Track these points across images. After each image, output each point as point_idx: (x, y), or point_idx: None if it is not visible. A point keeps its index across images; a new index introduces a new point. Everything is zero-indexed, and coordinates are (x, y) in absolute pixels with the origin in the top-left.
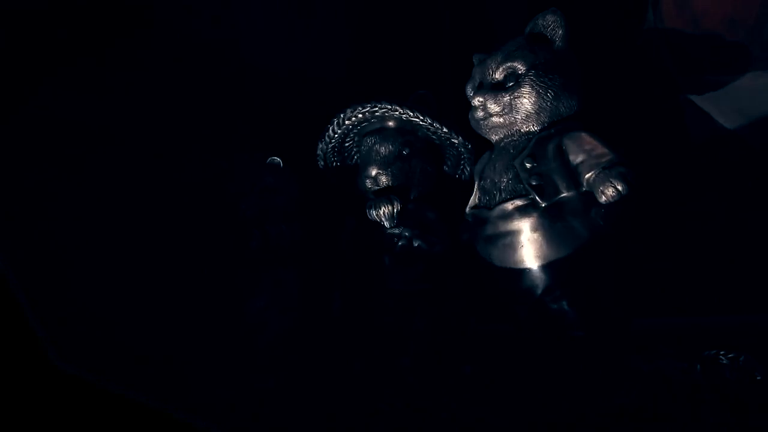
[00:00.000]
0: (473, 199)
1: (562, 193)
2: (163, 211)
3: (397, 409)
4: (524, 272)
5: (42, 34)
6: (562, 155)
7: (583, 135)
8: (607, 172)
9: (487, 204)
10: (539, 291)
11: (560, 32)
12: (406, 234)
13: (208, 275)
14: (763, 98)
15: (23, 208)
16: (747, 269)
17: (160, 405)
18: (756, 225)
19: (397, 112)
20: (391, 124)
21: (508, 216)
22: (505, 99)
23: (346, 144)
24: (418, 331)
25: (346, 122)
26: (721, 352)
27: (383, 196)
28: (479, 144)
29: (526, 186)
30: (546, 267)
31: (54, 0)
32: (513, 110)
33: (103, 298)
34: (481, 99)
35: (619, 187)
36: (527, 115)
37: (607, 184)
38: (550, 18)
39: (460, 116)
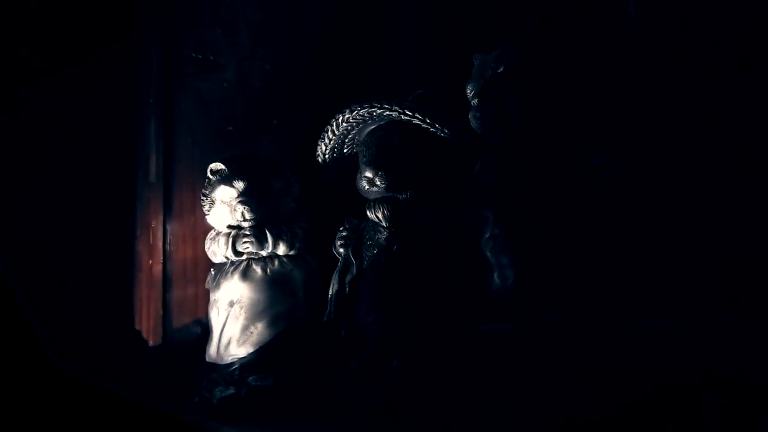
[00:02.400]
0: (473, 199)
1: (560, 192)
2: (159, 212)
3: (392, 409)
4: (522, 271)
5: (34, 36)
6: (560, 154)
7: (580, 135)
8: (603, 171)
9: (487, 204)
10: (537, 290)
11: (557, 32)
12: (406, 234)
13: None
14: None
15: (23, 208)
16: (747, 269)
17: (160, 405)
18: (755, 224)
19: (395, 112)
20: (390, 124)
21: (507, 215)
22: (502, 99)
23: (346, 144)
24: (411, 331)
25: (344, 123)
26: (721, 352)
27: (382, 196)
28: (480, 144)
29: (525, 185)
30: (544, 266)
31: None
32: (510, 110)
33: (103, 298)
34: (479, 100)
35: (613, 186)
36: (524, 115)
37: (602, 183)
38: (546, 18)
39: (461, 116)
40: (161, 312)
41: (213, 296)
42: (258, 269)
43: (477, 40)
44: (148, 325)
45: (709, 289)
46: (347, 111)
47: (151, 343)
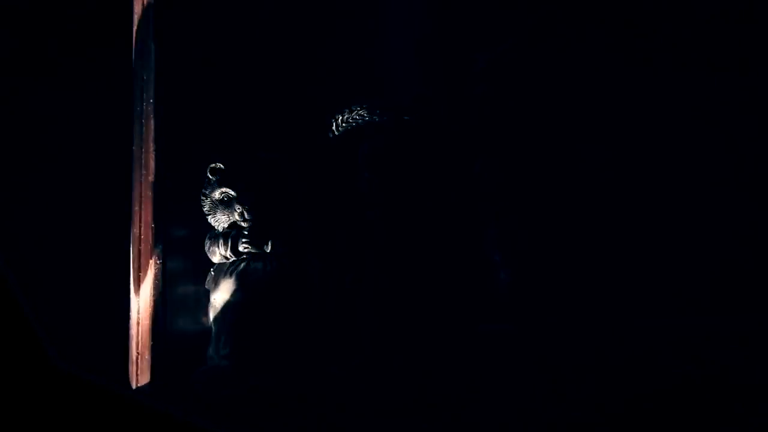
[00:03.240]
0: (474, 199)
1: (558, 192)
2: (157, 211)
3: (393, 408)
4: (521, 270)
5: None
6: (558, 157)
7: (576, 138)
8: (602, 173)
9: (487, 203)
10: (535, 289)
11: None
12: (406, 235)
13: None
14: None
15: (23, 208)
16: (746, 270)
17: (160, 405)
18: (755, 225)
19: (394, 113)
20: (390, 125)
21: (506, 215)
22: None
23: (347, 144)
24: (411, 331)
25: (344, 123)
26: (720, 353)
27: (383, 197)
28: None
29: (523, 186)
30: (542, 265)
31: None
32: None
33: (102, 298)
34: None
35: (612, 187)
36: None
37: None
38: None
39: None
40: (161, 312)
41: (212, 296)
42: (257, 269)
43: (476, 39)
44: (147, 325)
45: (709, 289)
46: (347, 111)
47: (150, 342)
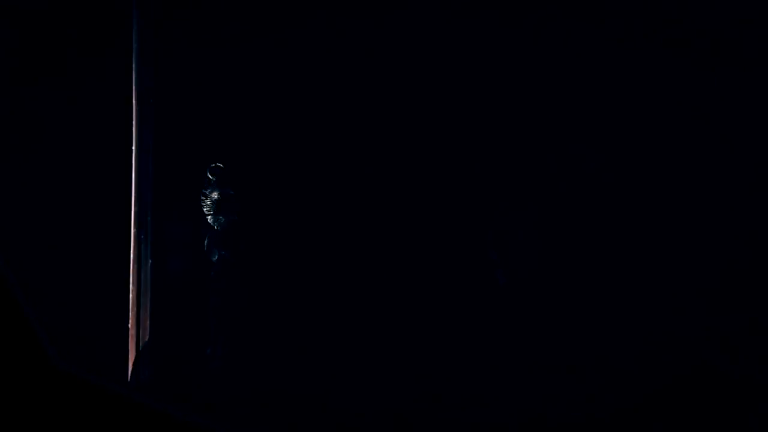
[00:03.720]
0: (476, 201)
1: (557, 193)
2: (155, 212)
3: (394, 409)
4: (520, 270)
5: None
6: (556, 158)
7: (574, 139)
8: (600, 173)
9: (488, 205)
10: (534, 287)
11: None
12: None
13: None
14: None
15: (24, 209)
16: (746, 270)
17: (160, 405)
18: (755, 225)
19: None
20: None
21: (504, 215)
22: None
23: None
24: (411, 333)
25: None
26: (720, 353)
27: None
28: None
29: (522, 188)
30: (540, 265)
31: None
32: None
33: (102, 298)
34: None
35: (611, 187)
36: None
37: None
38: None
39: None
40: (160, 312)
41: (212, 297)
42: (257, 269)
43: (476, 40)
44: (147, 325)
45: (709, 289)
46: None
47: (150, 342)
